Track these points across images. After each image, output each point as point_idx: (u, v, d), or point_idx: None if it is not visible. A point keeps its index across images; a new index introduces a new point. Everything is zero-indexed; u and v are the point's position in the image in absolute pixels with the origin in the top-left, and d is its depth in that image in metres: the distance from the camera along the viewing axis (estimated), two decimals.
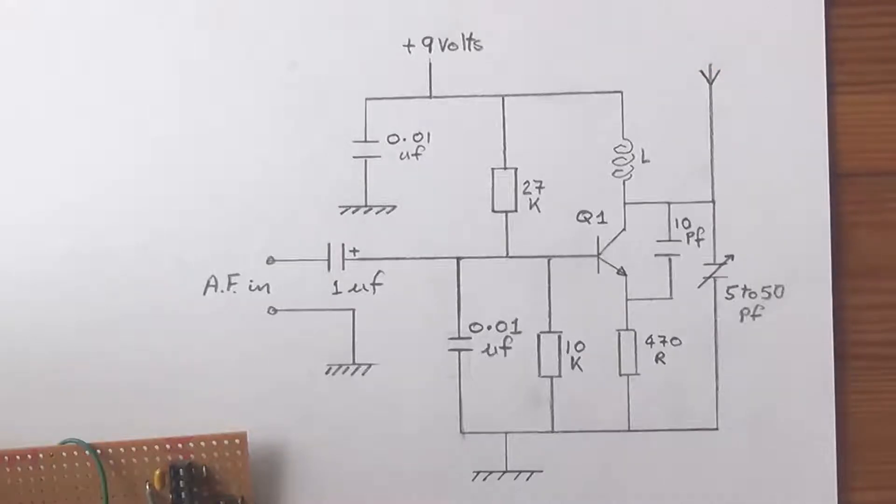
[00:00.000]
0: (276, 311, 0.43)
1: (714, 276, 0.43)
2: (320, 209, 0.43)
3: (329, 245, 0.43)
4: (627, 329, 0.43)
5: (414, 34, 0.43)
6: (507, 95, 0.43)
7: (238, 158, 0.43)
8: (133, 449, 0.41)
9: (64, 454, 0.41)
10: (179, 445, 0.41)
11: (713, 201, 0.43)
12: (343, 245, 0.43)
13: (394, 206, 0.43)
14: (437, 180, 0.43)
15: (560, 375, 0.43)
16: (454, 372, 0.43)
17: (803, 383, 0.42)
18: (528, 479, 0.42)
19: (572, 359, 0.43)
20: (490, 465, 0.43)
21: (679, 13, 0.43)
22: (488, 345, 0.43)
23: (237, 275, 0.43)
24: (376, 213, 0.43)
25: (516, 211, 0.43)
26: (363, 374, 0.43)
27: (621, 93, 0.43)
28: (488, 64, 0.43)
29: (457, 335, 0.43)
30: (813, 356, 0.42)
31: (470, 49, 0.43)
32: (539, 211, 0.43)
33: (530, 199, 0.43)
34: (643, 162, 0.43)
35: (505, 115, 0.43)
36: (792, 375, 0.42)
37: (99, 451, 0.41)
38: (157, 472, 0.41)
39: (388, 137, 0.43)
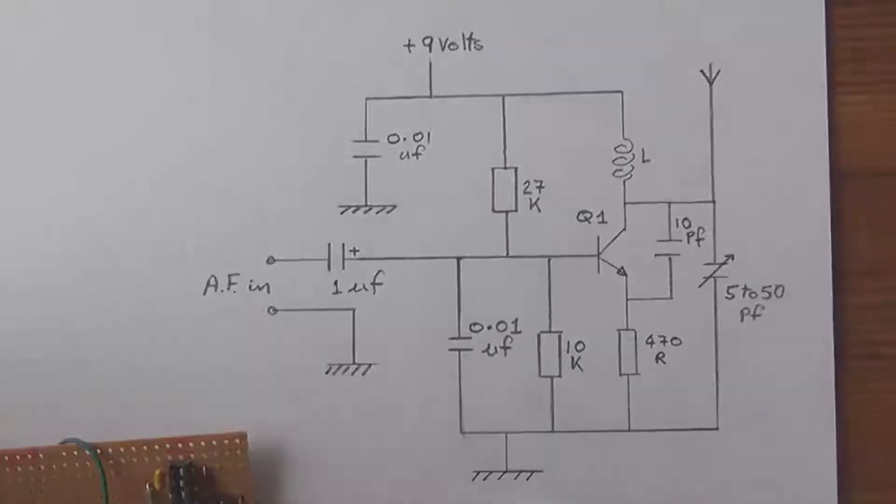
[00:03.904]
0: (276, 311, 0.43)
1: (714, 275, 0.43)
2: (320, 209, 0.43)
3: (329, 245, 0.43)
4: (627, 329, 0.43)
5: (414, 34, 0.43)
6: (507, 95, 0.43)
7: (238, 158, 0.43)
8: (133, 449, 0.41)
9: (64, 454, 0.41)
10: (179, 445, 0.41)
11: (713, 201, 0.43)
12: (343, 245, 0.43)
13: (394, 206, 0.43)
14: (437, 180, 0.43)
15: (560, 375, 0.43)
16: (454, 372, 0.43)
17: (803, 383, 0.42)
18: (528, 479, 0.42)
19: (572, 359, 0.43)
20: (490, 465, 0.43)
21: (679, 13, 0.43)
22: (488, 345, 0.43)
23: (237, 275, 0.43)
24: (376, 213, 0.43)
25: (516, 211, 0.43)
26: (363, 374, 0.43)
27: (621, 93, 0.43)
28: (488, 64, 0.43)
29: (457, 335, 0.43)
30: (813, 356, 0.42)
31: (470, 49, 0.43)
32: (539, 211, 0.43)
33: (530, 199, 0.43)
34: (643, 162, 0.43)
35: (505, 115, 0.43)
36: (792, 375, 0.42)
37: (99, 451, 0.41)
38: (157, 472, 0.41)
39: (388, 137, 0.43)
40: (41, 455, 0.41)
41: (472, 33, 0.43)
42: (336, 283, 0.43)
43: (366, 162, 0.43)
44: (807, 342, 0.42)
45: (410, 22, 0.43)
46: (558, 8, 0.43)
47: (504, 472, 0.43)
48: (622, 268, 0.43)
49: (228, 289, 0.43)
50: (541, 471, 0.42)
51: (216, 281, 0.43)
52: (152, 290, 0.43)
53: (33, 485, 0.41)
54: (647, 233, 0.43)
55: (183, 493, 0.41)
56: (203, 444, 0.41)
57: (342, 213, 0.43)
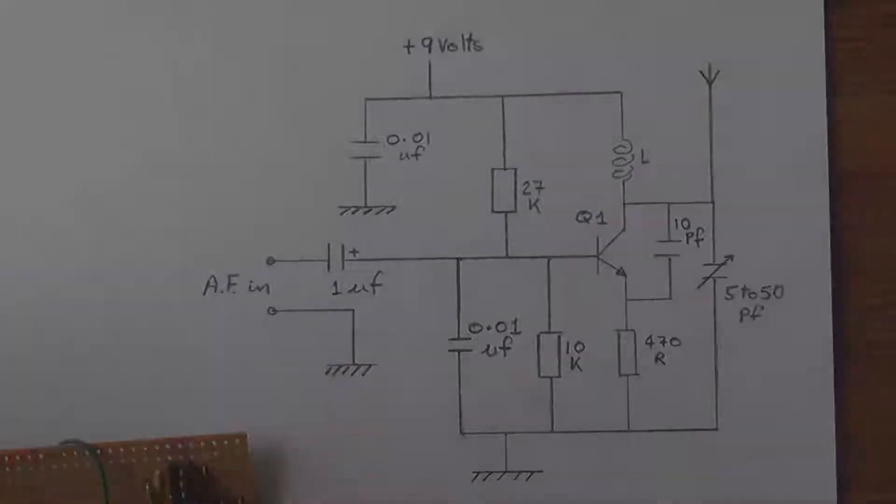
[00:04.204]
0: (276, 311, 0.43)
1: (714, 276, 0.42)
2: (320, 209, 0.43)
3: (329, 245, 0.43)
4: (627, 329, 0.43)
5: (414, 34, 0.43)
6: (506, 96, 0.43)
7: (238, 158, 0.43)
8: (133, 449, 0.41)
9: (64, 454, 0.41)
10: (179, 445, 0.41)
11: (713, 201, 0.43)
12: (343, 245, 0.43)
13: (394, 207, 0.43)
14: (437, 180, 0.43)
15: (560, 375, 0.43)
16: (454, 372, 0.43)
17: (803, 383, 0.42)
18: (528, 479, 0.42)
19: (572, 359, 0.43)
20: (490, 465, 0.43)
21: (679, 13, 0.43)
22: (488, 345, 0.43)
23: (237, 275, 0.43)
24: (376, 213, 0.43)
25: (516, 211, 0.43)
26: (363, 375, 0.43)
27: (621, 93, 0.43)
28: (488, 64, 0.43)
29: (457, 335, 0.43)
30: (813, 356, 0.42)
31: (470, 49, 0.43)
32: (539, 211, 0.43)
33: (530, 200, 0.43)
34: (643, 162, 0.43)
35: (505, 116, 0.43)
36: (792, 375, 0.42)
37: (99, 451, 0.41)
38: (157, 472, 0.41)
39: (388, 138, 0.43)
40: (41, 455, 0.41)
41: (471, 34, 0.43)
42: (336, 283, 0.43)
43: (365, 163, 0.43)
44: (807, 342, 0.42)
45: (410, 23, 0.43)
46: (558, 8, 0.43)
47: (504, 473, 0.43)
48: (621, 268, 0.43)
49: (228, 289, 0.43)
50: (541, 471, 0.42)
51: (216, 281, 0.43)
52: (152, 290, 0.43)
53: (33, 485, 0.41)
54: (646, 233, 0.43)
55: (183, 494, 0.41)
56: (203, 444, 0.41)
57: (342, 213, 0.43)
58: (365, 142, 0.43)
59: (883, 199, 0.43)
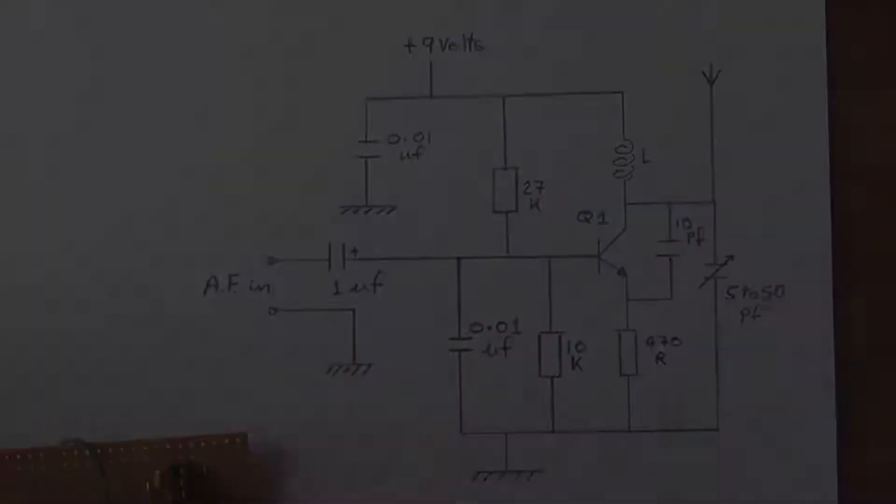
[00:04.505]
0: (276, 311, 0.43)
1: (714, 276, 0.43)
2: (320, 209, 0.43)
3: (330, 245, 0.43)
4: (628, 329, 0.43)
5: (414, 34, 0.43)
6: (507, 95, 0.43)
7: (238, 158, 0.43)
8: (133, 449, 0.41)
9: (64, 454, 0.41)
10: (179, 445, 0.41)
11: (713, 202, 0.43)
12: (343, 245, 0.43)
13: (394, 206, 0.43)
14: (438, 180, 0.43)
15: (560, 375, 0.43)
16: (454, 372, 0.43)
17: (803, 383, 0.42)
18: (528, 479, 0.42)
19: (572, 359, 0.43)
20: (490, 465, 0.43)
21: (679, 13, 0.43)
22: (488, 345, 0.43)
23: (237, 275, 0.43)
24: (376, 213, 0.43)
25: (516, 211, 0.43)
26: (363, 374, 0.43)
27: (622, 93, 0.43)
28: (489, 64, 0.43)
29: (457, 335, 0.43)
30: (813, 356, 0.42)
31: (470, 49, 0.43)
32: (539, 211, 0.43)
33: (530, 200, 0.43)
34: (644, 162, 0.43)
35: (505, 115, 0.43)
36: (792, 375, 0.42)
37: (99, 451, 0.41)
38: (157, 472, 0.41)
39: (389, 137, 0.43)
40: (41, 455, 0.41)
41: (472, 34, 0.43)
42: (336, 283, 0.43)
43: (366, 162, 0.43)
44: (807, 342, 0.42)
45: (411, 22, 0.43)
46: (558, 8, 0.43)
47: (504, 472, 0.43)
48: (622, 268, 0.43)
49: (229, 289, 0.43)
50: (541, 471, 0.42)
51: (216, 281, 0.43)
52: (152, 290, 0.43)
53: (33, 485, 0.41)
54: (647, 233, 0.43)
55: (183, 494, 0.41)
56: (203, 444, 0.41)
57: (342, 213, 0.43)
58: (366, 141, 0.43)
59: (883, 199, 0.43)
